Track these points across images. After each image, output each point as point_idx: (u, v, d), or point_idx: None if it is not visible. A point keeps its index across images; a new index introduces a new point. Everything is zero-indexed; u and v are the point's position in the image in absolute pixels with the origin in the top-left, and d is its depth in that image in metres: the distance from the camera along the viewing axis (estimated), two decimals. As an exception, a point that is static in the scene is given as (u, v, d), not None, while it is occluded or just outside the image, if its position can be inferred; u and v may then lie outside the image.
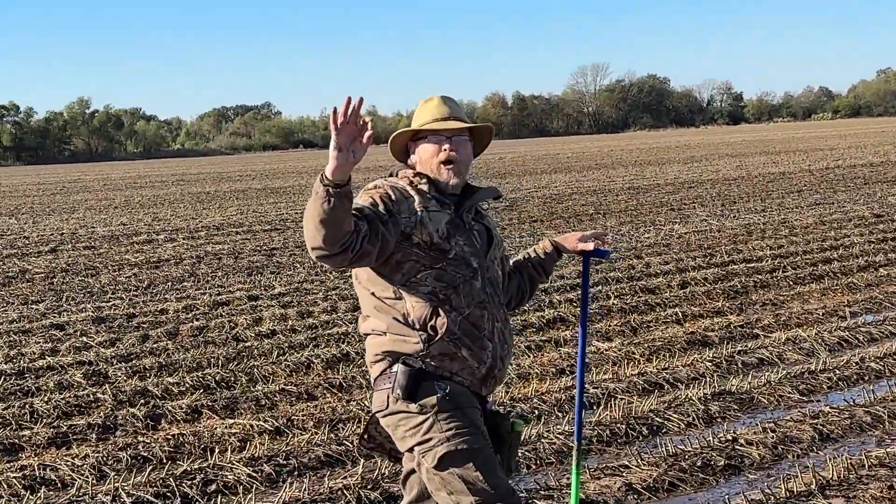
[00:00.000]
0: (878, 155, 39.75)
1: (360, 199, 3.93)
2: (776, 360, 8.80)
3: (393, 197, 3.98)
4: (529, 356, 9.15)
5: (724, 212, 21.30)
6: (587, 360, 7.86)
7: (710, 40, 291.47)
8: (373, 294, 4.07)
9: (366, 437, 4.24)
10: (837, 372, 8.17)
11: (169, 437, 7.25)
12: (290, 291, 13.32)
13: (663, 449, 6.50)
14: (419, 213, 3.98)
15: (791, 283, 12.41)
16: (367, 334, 4.15)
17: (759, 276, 12.71)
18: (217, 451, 6.99)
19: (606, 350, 9.17)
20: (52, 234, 23.20)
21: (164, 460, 6.84)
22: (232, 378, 8.84)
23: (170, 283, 14.76)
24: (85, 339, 10.73)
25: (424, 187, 4.08)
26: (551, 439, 6.75)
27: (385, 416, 4.04)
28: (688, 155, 49.73)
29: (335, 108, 3.60)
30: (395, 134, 4.24)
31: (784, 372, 8.19)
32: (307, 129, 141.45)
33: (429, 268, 3.99)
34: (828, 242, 15.51)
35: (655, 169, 38.63)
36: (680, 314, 10.67)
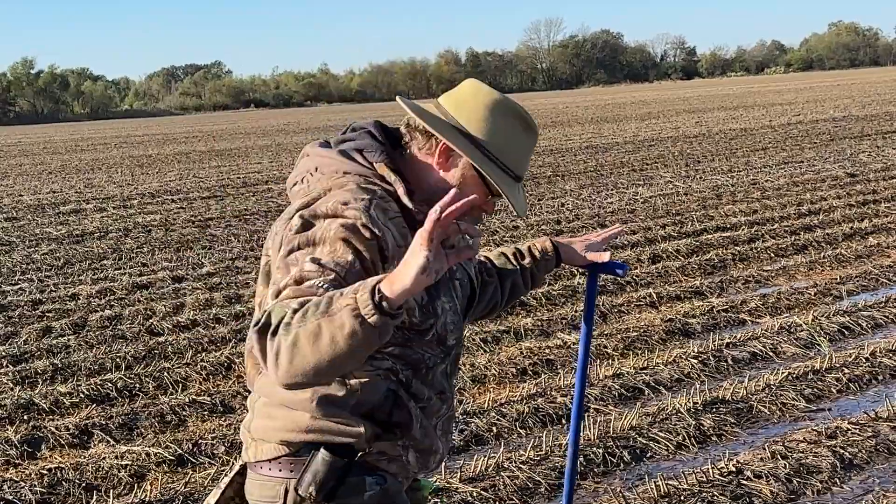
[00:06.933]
0: (839, 109, 38.71)
1: (334, 251, 2.34)
2: (771, 354, 7.59)
3: (386, 242, 2.41)
4: (485, 353, 7.89)
5: (690, 172, 20.08)
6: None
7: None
8: None
9: None
10: (846, 371, 6.96)
11: (45, 470, 5.90)
12: (220, 270, 11.99)
13: (651, 485, 5.26)
14: None
15: (773, 254, 11.21)
16: (265, 397, 2.68)
17: (737, 248, 11.50)
18: (102, 489, 5.69)
19: (574, 343, 7.92)
20: (-27, 205, 21.61)
21: (34, 505, 5.53)
22: (137, 385, 7.51)
23: (88, 262, 13.32)
24: (-23, 332, 9.35)
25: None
26: (512, 471, 5.48)
27: None
28: (644, 111, 48.49)
29: (440, 211, 2.07)
30: (449, 123, 2.58)
31: (784, 372, 6.97)
32: (258, 88, 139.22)
33: (393, 345, 2.56)
34: (805, 206, 14.33)
35: (613, 126, 37.36)
36: (654, 296, 9.43)
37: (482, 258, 3.17)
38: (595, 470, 5.62)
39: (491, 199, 2.61)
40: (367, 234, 2.37)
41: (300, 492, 2.57)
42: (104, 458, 6.03)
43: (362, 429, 2.55)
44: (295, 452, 2.61)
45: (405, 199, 2.54)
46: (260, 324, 2.22)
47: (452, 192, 2.12)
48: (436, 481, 5.06)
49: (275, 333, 2.19)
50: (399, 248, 2.39)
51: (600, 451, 5.76)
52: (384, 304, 2.11)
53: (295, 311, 2.18)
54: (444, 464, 2.81)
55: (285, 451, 2.63)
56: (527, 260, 3.18)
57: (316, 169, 2.61)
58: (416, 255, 2.09)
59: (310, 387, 2.38)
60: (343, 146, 2.65)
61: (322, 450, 2.56)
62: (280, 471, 2.62)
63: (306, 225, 2.41)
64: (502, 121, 2.59)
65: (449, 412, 2.81)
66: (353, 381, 2.56)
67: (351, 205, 2.41)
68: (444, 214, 2.07)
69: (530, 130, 2.64)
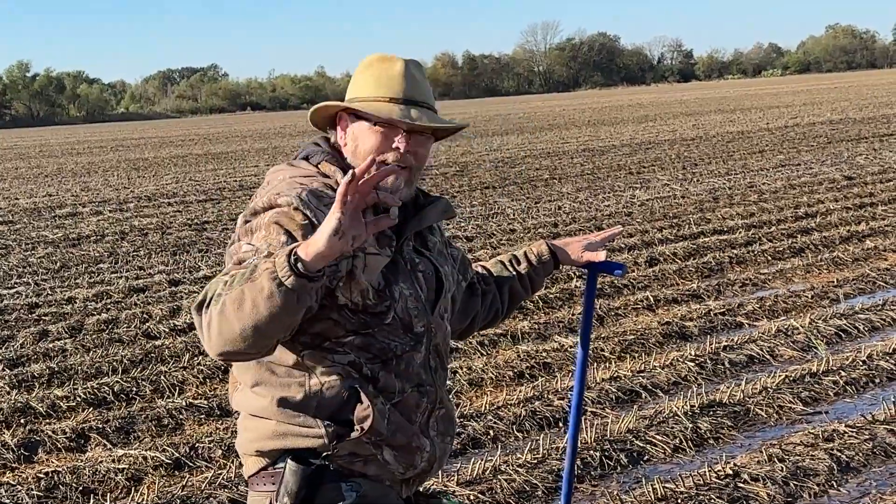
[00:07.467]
0: (836, 112, 38.76)
1: (268, 234, 2.47)
2: (768, 357, 7.59)
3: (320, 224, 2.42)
4: (483, 356, 7.89)
5: (686, 175, 20.09)
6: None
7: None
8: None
9: None
10: (843, 374, 6.96)
11: (42, 474, 5.89)
12: (217, 274, 11.95)
13: (648, 488, 5.26)
14: (355, 254, 2.53)
15: (770, 257, 11.22)
16: (241, 411, 2.77)
17: (734, 251, 11.51)
18: (99, 493, 5.69)
19: (571, 346, 7.92)
20: (-31, 208, 21.58)
21: (31, 510, 5.52)
22: (133, 388, 7.50)
23: (84, 265, 13.31)
24: (-26, 336, 9.33)
25: None
26: (509, 475, 5.48)
27: None
28: (641, 114, 48.53)
29: (352, 173, 2.23)
30: (319, 105, 2.78)
31: (781, 375, 6.97)
32: (255, 91, 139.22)
33: (353, 333, 2.60)
34: (802, 209, 14.34)
35: (609, 129, 37.39)
36: (651, 299, 9.44)
37: (480, 268, 3.21)
38: (592, 473, 5.61)
39: (387, 130, 2.66)
40: (299, 217, 2.50)
41: None
42: (101, 461, 6.02)
43: (323, 430, 2.60)
44: (273, 464, 2.67)
45: None
46: (197, 301, 2.40)
47: (368, 159, 2.28)
48: (432, 485, 5.06)
49: (208, 306, 2.35)
50: None
51: (597, 454, 5.76)
52: (299, 265, 2.26)
53: (225, 283, 2.34)
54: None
55: (263, 464, 2.70)
56: (523, 265, 3.23)
57: (268, 182, 2.73)
58: (330, 219, 2.24)
59: (243, 357, 2.45)
60: (293, 160, 2.81)
61: (289, 460, 2.62)
62: (264, 485, 2.69)
63: (247, 221, 2.56)
64: (362, 67, 2.77)
65: (440, 409, 2.80)
66: (312, 382, 2.61)
67: (283, 193, 2.55)
68: (357, 179, 2.22)
69: (382, 59, 2.75)
